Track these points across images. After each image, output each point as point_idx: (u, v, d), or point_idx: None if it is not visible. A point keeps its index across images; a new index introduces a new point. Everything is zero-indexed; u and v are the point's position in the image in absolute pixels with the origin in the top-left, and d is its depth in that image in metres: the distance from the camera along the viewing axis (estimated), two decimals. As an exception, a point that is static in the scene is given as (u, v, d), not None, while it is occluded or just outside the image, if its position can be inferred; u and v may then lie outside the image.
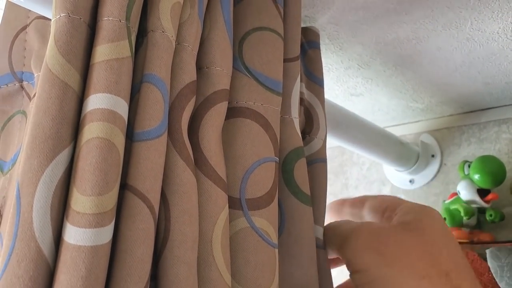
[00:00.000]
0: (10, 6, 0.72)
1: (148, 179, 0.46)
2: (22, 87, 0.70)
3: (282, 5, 0.67)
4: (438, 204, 1.26)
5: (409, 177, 1.33)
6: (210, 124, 0.56)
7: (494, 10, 0.79)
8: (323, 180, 0.72)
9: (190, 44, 0.54)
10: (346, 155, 1.48)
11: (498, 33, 0.86)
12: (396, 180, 1.36)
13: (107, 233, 0.43)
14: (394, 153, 1.23)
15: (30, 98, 0.68)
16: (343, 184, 1.47)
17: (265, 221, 0.59)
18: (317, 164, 0.73)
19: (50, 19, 0.67)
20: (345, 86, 1.11)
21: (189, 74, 0.53)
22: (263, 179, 0.60)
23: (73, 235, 0.42)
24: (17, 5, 0.69)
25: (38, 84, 0.47)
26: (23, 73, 0.69)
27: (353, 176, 1.46)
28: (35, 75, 0.66)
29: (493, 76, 1.03)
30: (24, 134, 0.64)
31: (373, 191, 1.41)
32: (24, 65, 0.70)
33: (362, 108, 1.25)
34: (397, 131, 1.37)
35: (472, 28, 0.85)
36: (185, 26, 0.54)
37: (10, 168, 0.66)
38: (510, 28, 0.84)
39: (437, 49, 0.92)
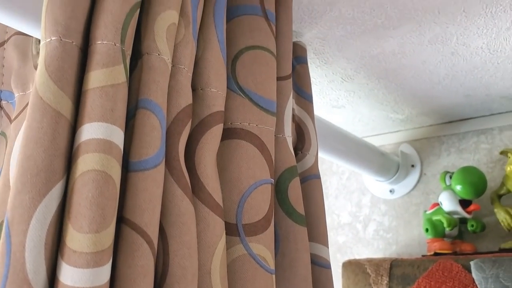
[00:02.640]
0: (-15, 21, 0.68)
1: (146, 212, 0.44)
2: (0, 106, 0.66)
3: (274, 22, 0.66)
4: (419, 214, 1.27)
5: (390, 187, 1.33)
6: (206, 148, 0.54)
7: (480, 26, 0.80)
8: (319, 197, 0.71)
9: (185, 66, 0.52)
10: (325, 164, 1.48)
11: (482, 48, 0.87)
12: (376, 190, 1.36)
13: (105, 272, 0.41)
14: (375, 164, 1.23)
15: (9, 119, 0.65)
16: (323, 194, 1.46)
17: (262, 247, 0.57)
18: (311, 180, 0.72)
19: (29, 36, 0.64)
20: (327, 98, 1.10)
21: (185, 97, 0.51)
22: (259, 203, 0.58)
23: (70, 275, 0.39)
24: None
25: (27, 112, 0.44)
26: (1, 91, 0.66)
27: (333, 185, 1.46)
28: (16, 95, 0.62)
29: (474, 89, 1.04)
30: (4, 159, 0.60)
31: (353, 201, 1.41)
32: (3, 83, 0.66)
33: (343, 119, 1.24)
34: (377, 141, 1.37)
35: (458, 43, 0.85)
36: (180, 48, 0.52)
37: (-11, 192, 0.62)
38: (493, 44, 0.85)
39: (422, 63, 0.92)
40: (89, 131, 0.42)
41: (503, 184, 1.07)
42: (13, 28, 0.65)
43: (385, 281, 1.08)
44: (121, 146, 0.44)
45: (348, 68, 0.95)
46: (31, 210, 0.40)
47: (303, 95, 0.77)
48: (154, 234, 0.44)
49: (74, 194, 0.41)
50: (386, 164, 1.27)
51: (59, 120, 0.42)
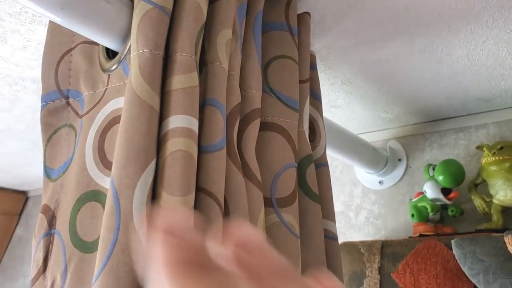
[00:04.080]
0: (52, 31, 0.81)
1: (216, 183, 0.58)
2: (68, 103, 0.79)
3: (297, 35, 0.80)
4: (405, 202, 1.43)
5: (379, 178, 1.49)
6: (249, 137, 0.68)
7: (461, 39, 0.96)
8: (328, 181, 0.86)
9: (236, 72, 0.66)
10: (319, 159, 1.63)
11: (462, 57, 1.03)
12: (366, 182, 1.52)
13: (190, 226, 0.55)
14: (367, 158, 1.39)
15: (77, 114, 0.78)
16: (317, 186, 1.62)
17: (291, 216, 0.72)
18: (322, 168, 0.87)
19: (95, 43, 0.77)
20: (327, 99, 1.25)
21: (236, 97, 0.65)
22: (288, 182, 0.73)
23: (166, 227, 0.53)
24: (60, 30, 0.79)
25: (124, 106, 0.57)
26: (69, 90, 0.79)
27: (327, 178, 1.61)
28: (85, 93, 0.75)
29: (455, 92, 1.20)
30: (78, 147, 0.73)
31: (345, 191, 1.56)
32: (70, 83, 0.79)
33: (339, 118, 1.40)
34: (368, 138, 1.53)
35: (442, 53, 1.01)
36: (232, 57, 0.66)
37: (60, 175, 0.75)
38: (472, 54, 1.01)
39: (411, 69, 1.08)
40: (176, 121, 0.56)
41: (479, 174, 1.24)
42: (79, 37, 0.78)
43: (377, 259, 1.23)
44: (197, 132, 0.58)
45: (348, 73, 1.10)
46: (136, 180, 0.54)
47: (314, 96, 0.92)
48: (222, 200, 0.58)
49: (166, 168, 0.55)
50: (376, 158, 1.43)
51: (152, 113, 0.56)
